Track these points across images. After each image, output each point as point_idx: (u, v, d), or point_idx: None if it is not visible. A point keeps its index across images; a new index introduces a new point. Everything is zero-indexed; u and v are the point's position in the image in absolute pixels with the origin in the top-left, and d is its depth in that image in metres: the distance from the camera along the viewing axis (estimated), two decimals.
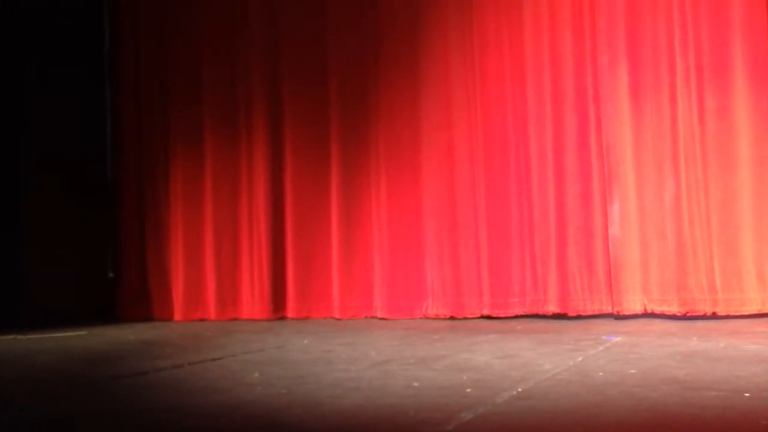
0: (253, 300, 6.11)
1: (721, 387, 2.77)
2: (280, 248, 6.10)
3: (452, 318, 5.51)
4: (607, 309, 5.16)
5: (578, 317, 5.18)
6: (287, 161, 6.15)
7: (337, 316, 5.85)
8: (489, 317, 5.41)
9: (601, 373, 3.11)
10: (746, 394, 2.62)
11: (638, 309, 5.07)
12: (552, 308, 5.26)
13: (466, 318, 5.46)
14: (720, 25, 4.98)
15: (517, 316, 5.32)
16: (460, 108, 5.64)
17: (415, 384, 3.02)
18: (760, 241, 4.86)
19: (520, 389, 2.83)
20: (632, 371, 3.13)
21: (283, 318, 6.01)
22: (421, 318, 5.61)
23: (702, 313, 4.88)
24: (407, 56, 5.82)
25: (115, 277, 6.48)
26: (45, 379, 3.63)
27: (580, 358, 3.51)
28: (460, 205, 5.62)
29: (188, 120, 6.39)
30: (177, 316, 6.24)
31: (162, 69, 6.49)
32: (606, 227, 5.22)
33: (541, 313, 5.29)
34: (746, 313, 4.79)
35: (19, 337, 5.14)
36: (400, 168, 5.82)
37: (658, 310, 5.02)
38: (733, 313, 4.81)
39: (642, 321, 4.96)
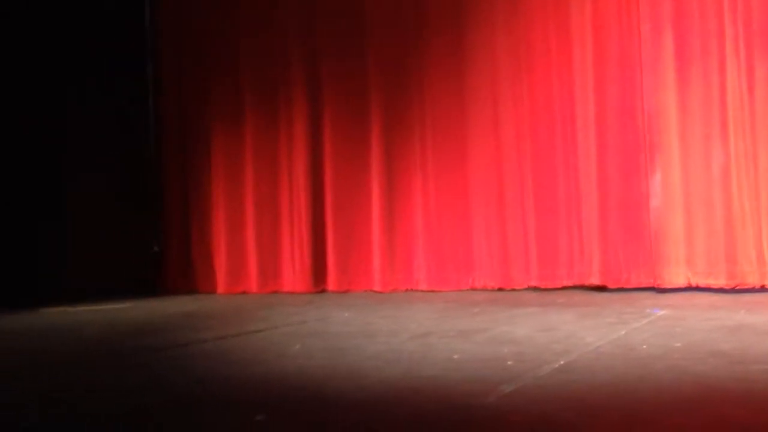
0: (294, 273, 6.15)
1: None
2: (321, 222, 6.12)
3: (500, 289, 5.49)
4: (650, 282, 5.07)
5: (621, 290, 5.11)
6: (327, 135, 6.14)
7: (377, 289, 5.87)
8: (536, 288, 5.37)
9: (644, 347, 3.07)
10: None
11: (681, 282, 4.96)
12: (594, 280, 5.20)
13: (513, 289, 5.44)
14: None
15: (564, 288, 5.26)
16: (506, 80, 5.56)
17: (456, 356, 3.02)
18: None
19: (561, 362, 2.81)
20: (677, 345, 3.08)
21: (324, 291, 6.05)
22: (467, 290, 5.59)
23: (751, 286, 4.76)
24: (451, 28, 5.74)
25: (160, 251, 6.58)
26: (92, 350, 3.71)
27: (623, 332, 3.47)
28: (507, 177, 5.57)
29: (229, 96, 6.41)
30: (220, 289, 6.32)
31: (203, 46, 6.51)
32: (650, 199, 5.12)
33: (587, 284, 5.23)
34: None
35: (68, 309, 5.26)
36: (446, 141, 5.77)
37: (703, 283, 4.90)
38: None
39: (687, 294, 4.87)
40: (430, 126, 5.83)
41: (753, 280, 4.77)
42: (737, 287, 4.79)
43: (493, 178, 5.61)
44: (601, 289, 5.17)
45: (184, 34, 6.58)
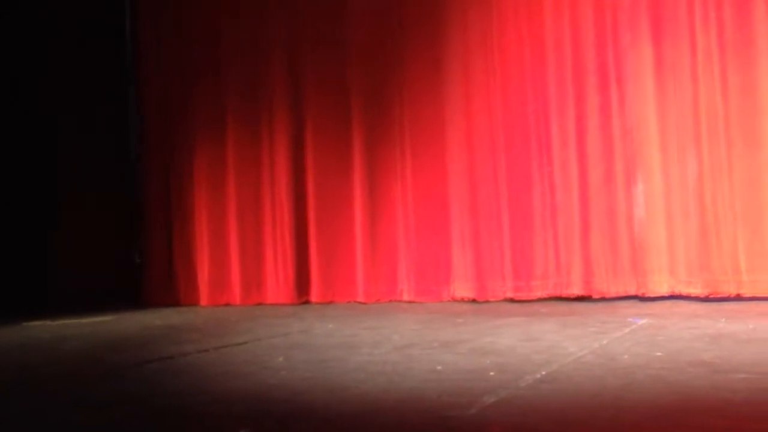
0: (277, 284, 6.14)
1: (750, 369, 2.73)
2: (304, 232, 6.11)
3: (474, 301, 5.49)
4: (632, 291, 5.10)
5: (603, 299, 5.14)
6: (309, 144, 6.15)
7: (361, 300, 5.86)
8: (512, 300, 5.38)
9: (626, 356, 3.08)
10: None
11: (665, 291, 5.00)
12: (576, 290, 5.22)
13: (488, 301, 5.44)
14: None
15: (540, 299, 5.29)
16: (480, 91, 5.60)
17: (439, 368, 3.02)
18: None
19: (543, 372, 2.82)
20: (658, 354, 3.10)
21: (307, 302, 6.04)
22: (447, 301, 5.60)
23: (726, 295, 4.79)
24: (429, 41, 5.79)
25: (142, 262, 6.54)
26: (73, 364, 3.68)
27: (605, 341, 3.48)
28: (481, 187, 5.58)
29: (211, 105, 6.40)
30: (203, 301, 6.29)
31: (184, 54, 6.50)
32: (630, 208, 5.16)
33: (564, 295, 5.25)
34: None
35: (49, 322, 5.22)
36: (425, 151, 5.79)
37: (684, 291, 4.95)
38: (760, 295, 4.70)
39: (669, 303, 4.90)
40: (409, 135, 5.85)
41: (728, 289, 4.80)
42: (710, 296, 4.81)
43: (469, 188, 5.61)
44: (584, 299, 5.19)
45: (165, 44, 6.57)
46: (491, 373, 2.85)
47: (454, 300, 5.59)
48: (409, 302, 5.70)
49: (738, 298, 4.76)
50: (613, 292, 5.15)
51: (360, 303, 5.83)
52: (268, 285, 6.17)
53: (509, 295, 5.42)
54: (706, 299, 4.84)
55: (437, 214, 5.75)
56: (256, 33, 6.30)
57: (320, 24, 6.14)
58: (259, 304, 6.12)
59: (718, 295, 4.81)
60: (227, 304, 6.19)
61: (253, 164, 6.29)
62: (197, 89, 6.45)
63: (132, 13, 6.68)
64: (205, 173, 6.41)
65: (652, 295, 5.02)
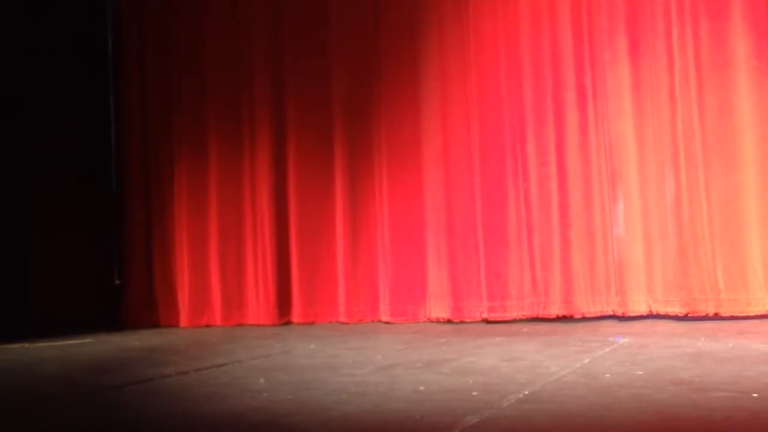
0: (258, 305, 6.10)
1: (729, 388, 2.76)
2: (285, 253, 6.09)
3: (450, 322, 5.48)
4: (611, 310, 5.12)
5: (583, 319, 5.15)
6: (290, 165, 6.15)
7: (343, 320, 5.85)
8: (488, 321, 5.37)
9: (608, 375, 3.10)
10: (754, 395, 2.61)
11: (643, 310, 5.02)
12: (556, 310, 5.21)
13: (463, 322, 5.42)
14: (720, 19, 4.92)
15: (520, 320, 5.28)
16: (457, 109, 5.63)
17: (421, 388, 3.02)
18: (766, 239, 4.79)
19: (526, 392, 2.82)
20: (639, 372, 3.12)
21: (289, 323, 6.01)
22: (425, 322, 5.59)
23: (704, 314, 4.81)
24: (407, 58, 5.82)
25: (122, 284, 6.48)
26: (51, 387, 3.63)
27: (586, 360, 3.50)
28: (457, 207, 5.59)
29: (192, 126, 6.39)
30: (183, 323, 6.24)
31: (166, 75, 6.48)
32: (609, 227, 5.19)
33: (541, 316, 5.23)
34: (752, 315, 4.70)
35: (27, 345, 5.15)
36: (403, 170, 5.81)
37: (662, 311, 4.97)
38: (738, 314, 4.73)
39: (649, 322, 4.93)
40: (387, 153, 5.85)
41: (705, 308, 4.83)
42: (689, 314, 4.84)
43: (445, 207, 5.62)
44: (562, 318, 5.20)
45: (148, 62, 6.55)
46: (474, 393, 2.85)
47: (430, 321, 5.58)
48: (388, 323, 5.68)
49: (716, 317, 4.79)
50: (593, 311, 5.16)
51: (342, 323, 5.81)
52: (249, 305, 6.14)
53: (485, 315, 5.40)
54: (685, 318, 4.87)
55: (414, 233, 5.74)
56: (239, 55, 6.31)
57: (302, 43, 6.16)
58: (240, 324, 6.08)
59: (696, 315, 4.84)
60: (208, 326, 6.15)
61: (234, 184, 6.27)
62: (179, 108, 6.43)
63: (114, 38, 6.66)
64: (185, 193, 6.38)
65: (631, 314, 5.05)
